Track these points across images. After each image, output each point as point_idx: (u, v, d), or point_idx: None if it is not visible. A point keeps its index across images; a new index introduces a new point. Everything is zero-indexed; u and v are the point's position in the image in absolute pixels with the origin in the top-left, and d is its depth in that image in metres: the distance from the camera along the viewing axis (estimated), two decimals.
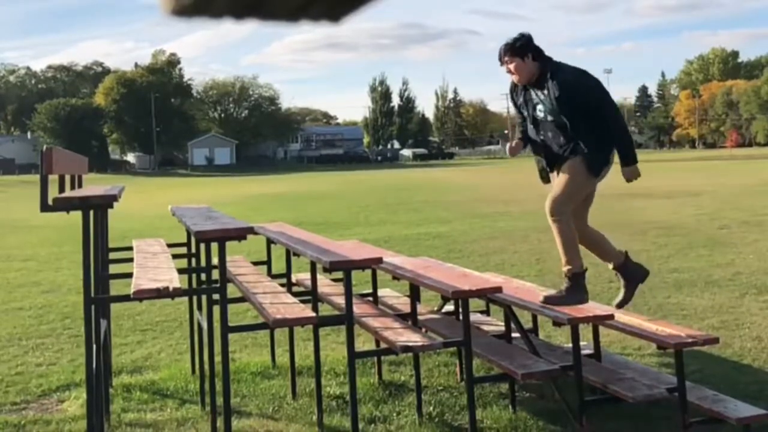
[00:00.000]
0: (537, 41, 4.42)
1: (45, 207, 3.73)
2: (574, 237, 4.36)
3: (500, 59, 4.41)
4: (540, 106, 4.42)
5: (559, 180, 4.38)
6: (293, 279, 5.82)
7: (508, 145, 4.84)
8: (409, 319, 4.90)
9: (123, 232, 12.24)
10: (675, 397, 4.06)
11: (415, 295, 5.22)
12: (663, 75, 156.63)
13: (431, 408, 4.87)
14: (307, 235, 5.59)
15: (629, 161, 4.37)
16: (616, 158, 4.40)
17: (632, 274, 4.60)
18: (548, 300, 4.33)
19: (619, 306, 4.60)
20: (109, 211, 4.75)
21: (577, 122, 4.28)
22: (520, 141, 4.61)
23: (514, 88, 4.57)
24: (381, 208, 22.19)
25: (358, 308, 4.75)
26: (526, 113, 4.51)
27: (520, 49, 4.35)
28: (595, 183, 4.48)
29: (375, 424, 4.66)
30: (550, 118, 4.37)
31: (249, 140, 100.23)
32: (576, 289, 4.32)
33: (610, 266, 4.64)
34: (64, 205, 3.85)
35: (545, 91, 4.35)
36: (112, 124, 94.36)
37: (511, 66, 4.38)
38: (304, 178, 53.88)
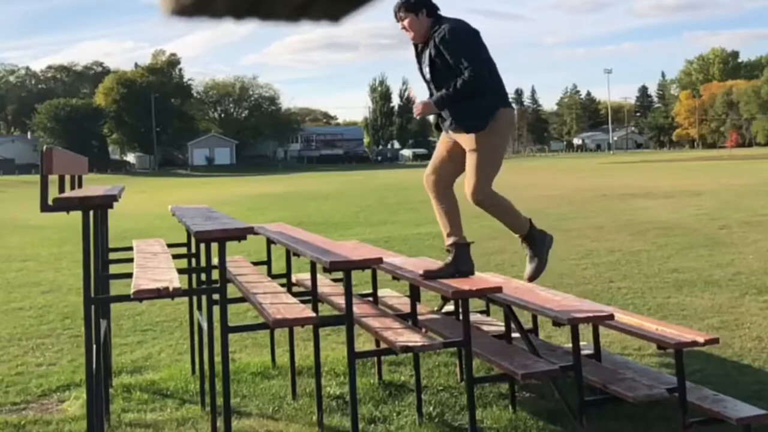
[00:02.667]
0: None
1: (45, 207, 3.73)
2: (510, 203, 4.36)
3: (395, 16, 4.29)
4: (426, 68, 4.34)
5: (467, 164, 4.28)
6: (293, 279, 5.82)
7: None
8: (409, 320, 4.90)
9: (123, 232, 12.24)
10: (675, 397, 4.06)
11: (415, 295, 5.22)
12: (663, 75, 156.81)
13: (431, 408, 4.87)
14: (307, 235, 5.59)
15: (438, 100, 4.21)
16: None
17: (463, 259, 4.40)
18: (429, 274, 4.30)
19: (530, 279, 4.48)
20: (109, 211, 4.75)
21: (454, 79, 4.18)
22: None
23: (416, 50, 4.44)
24: (381, 208, 22.18)
25: (358, 308, 4.75)
26: (422, 74, 4.42)
27: (414, 4, 4.24)
28: (498, 135, 4.28)
29: (375, 424, 4.66)
30: (435, 80, 4.29)
31: (249, 140, 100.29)
32: (461, 260, 4.32)
33: (518, 236, 4.49)
34: (64, 205, 3.85)
35: (430, 50, 4.26)
36: (112, 124, 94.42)
37: (405, 22, 4.28)
38: (304, 178, 53.89)
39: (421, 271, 4.39)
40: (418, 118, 4.34)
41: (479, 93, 4.18)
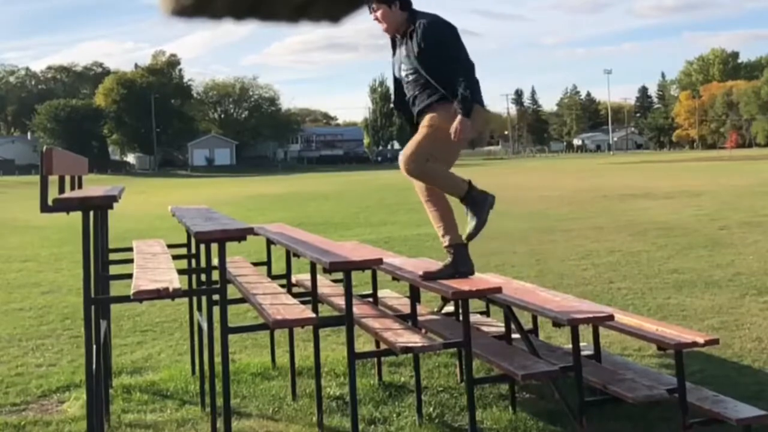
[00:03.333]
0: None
1: (45, 208, 3.73)
2: (446, 171, 4.26)
3: (369, 7, 4.23)
4: (403, 65, 4.30)
5: (415, 136, 4.26)
6: (293, 280, 5.82)
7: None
8: (409, 320, 4.89)
9: (123, 232, 12.24)
10: (675, 397, 4.06)
11: (415, 295, 5.22)
12: (663, 76, 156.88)
13: (431, 409, 4.87)
14: (307, 236, 5.59)
15: (464, 109, 4.09)
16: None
17: (479, 198, 4.35)
18: (429, 275, 4.28)
19: (469, 237, 4.39)
20: (109, 211, 4.75)
21: (435, 76, 4.14)
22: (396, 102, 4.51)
23: (392, 43, 4.41)
24: (381, 209, 22.19)
25: (358, 309, 4.75)
26: (395, 72, 4.37)
27: None
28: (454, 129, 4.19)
29: (375, 425, 4.66)
30: (411, 77, 4.26)
31: (249, 141, 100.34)
32: (460, 260, 4.29)
33: (458, 198, 4.40)
34: (64, 205, 3.85)
35: (407, 47, 4.23)
36: (112, 124, 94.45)
37: (378, 14, 4.25)
38: (304, 179, 53.89)
39: (420, 272, 4.39)
40: (466, 143, 4.31)
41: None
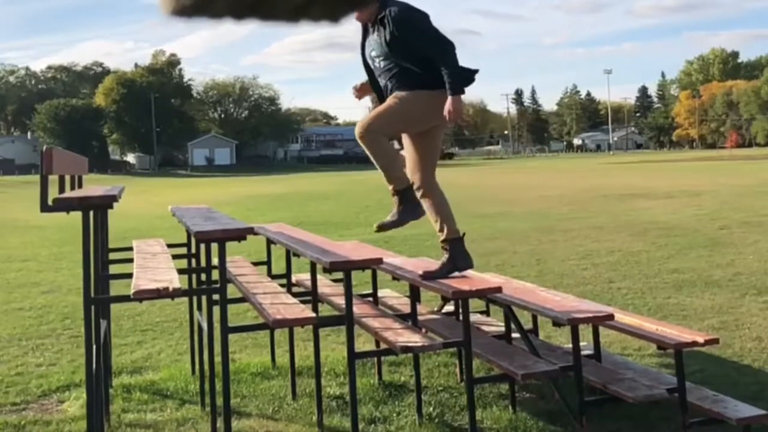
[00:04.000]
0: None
1: (45, 207, 3.73)
2: (394, 152, 4.22)
3: None
4: (374, 51, 4.26)
5: (380, 106, 4.22)
6: (293, 279, 5.82)
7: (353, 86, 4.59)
8: (409, 320, 4.90)
9: (123, 232, 12.23)
10: (675, 397, 4.06)
11: (415, 295, 5.22)
12: (663, 75, 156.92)
13: (431, 408, 4.87)
14: (307, 236, 5.59)
15: (455, 87, 4.02)
16: None
17: (412, 203, 4.32)
18: (429, 275, 4.25)
19: (381, 227, 4.33)
20: (109, 211, 4.75)
21: (409, 63, 4.10)
22: (366, 84, 4.47)
23: (363, 30, 4.37)
24: (381, 209, 22.15)
25: (358, 309, 4.75)
26: (366, 58, 4.33)
27: None
28: (421, 106, 4.17)
29: (375, 424, 4.66)
30: (383, 64, 4.23)
31: (249, 140, 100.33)
32: (457, 256, 4.26)
33: (391, 188, 4.33)
34: (63, 205, 3.85)
35: (378, 33, 4.18)
36: (112, 124, 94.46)
37: None
38: (304, 179, 53.90)
39: (420, 272, 4.39)
40: (460, 122, 4.18)
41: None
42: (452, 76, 4.05)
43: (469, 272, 4.46)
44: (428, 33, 4.10)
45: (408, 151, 4.40)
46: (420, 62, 4.14)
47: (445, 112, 4.07)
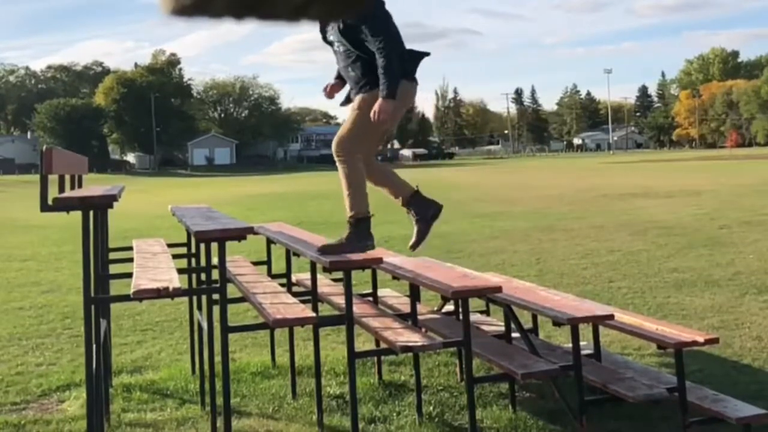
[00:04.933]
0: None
1: (45, 207, 3.73)
2: (364, 180, 4.19)
3: None
4: (332, 36, 4.23)
5: (348, 118, 4.19)
6: (293, 279, 5.82)
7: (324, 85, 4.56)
8: (409, 319, 4.90)
9: (123, 231, 12.24)
10: (675, 396, 4.06)
11: (415, 295, 5.22)
12: (663, 75, 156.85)
13: (431, 408, 4.87)
14: (307, 235, 5.59)
15: (388, 89, 3.93)
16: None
17: (424, 209, 4.38)
18: (326, 249, 4.19)
19: (413, 247, 4.34)
20: (109, 211, 4.75)
21: (362, 52, 4.05)
22: (338, 81, 4.43)
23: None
24: (381, 208, 22.08)
25: (358, 308, 4.75)
26: (328, 39, 4.28)
27: None
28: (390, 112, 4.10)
29: (375, 424, 4.66)
30: (341, 48, 4.18)
31: (249, 140, 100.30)
32: (360, 234, 4.18)
33: (399, 202, 4.38)
34: (63, 205, 3.85)
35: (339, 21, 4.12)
36: (112, 124, 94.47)
37: None
38: (304, 178, 53.92)
39: (318, 245, 4.26)
40: (388, 123, 4.11)
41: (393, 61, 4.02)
42: (385, 77, 3.97)
43: (469, 271, 4.47)
44: (378, 23, 3.99)
45: (347, 118, 4.32)
46: (371, 51, 4.06)
47: (371, 112, 4.01)
